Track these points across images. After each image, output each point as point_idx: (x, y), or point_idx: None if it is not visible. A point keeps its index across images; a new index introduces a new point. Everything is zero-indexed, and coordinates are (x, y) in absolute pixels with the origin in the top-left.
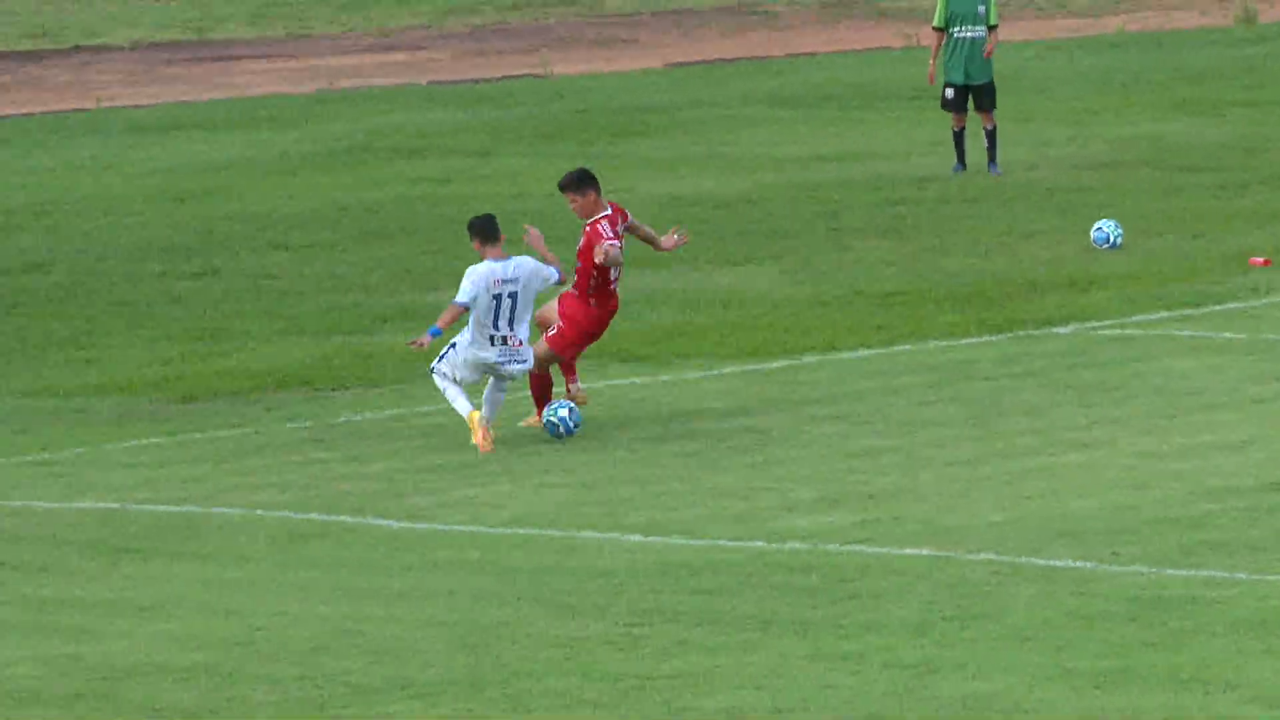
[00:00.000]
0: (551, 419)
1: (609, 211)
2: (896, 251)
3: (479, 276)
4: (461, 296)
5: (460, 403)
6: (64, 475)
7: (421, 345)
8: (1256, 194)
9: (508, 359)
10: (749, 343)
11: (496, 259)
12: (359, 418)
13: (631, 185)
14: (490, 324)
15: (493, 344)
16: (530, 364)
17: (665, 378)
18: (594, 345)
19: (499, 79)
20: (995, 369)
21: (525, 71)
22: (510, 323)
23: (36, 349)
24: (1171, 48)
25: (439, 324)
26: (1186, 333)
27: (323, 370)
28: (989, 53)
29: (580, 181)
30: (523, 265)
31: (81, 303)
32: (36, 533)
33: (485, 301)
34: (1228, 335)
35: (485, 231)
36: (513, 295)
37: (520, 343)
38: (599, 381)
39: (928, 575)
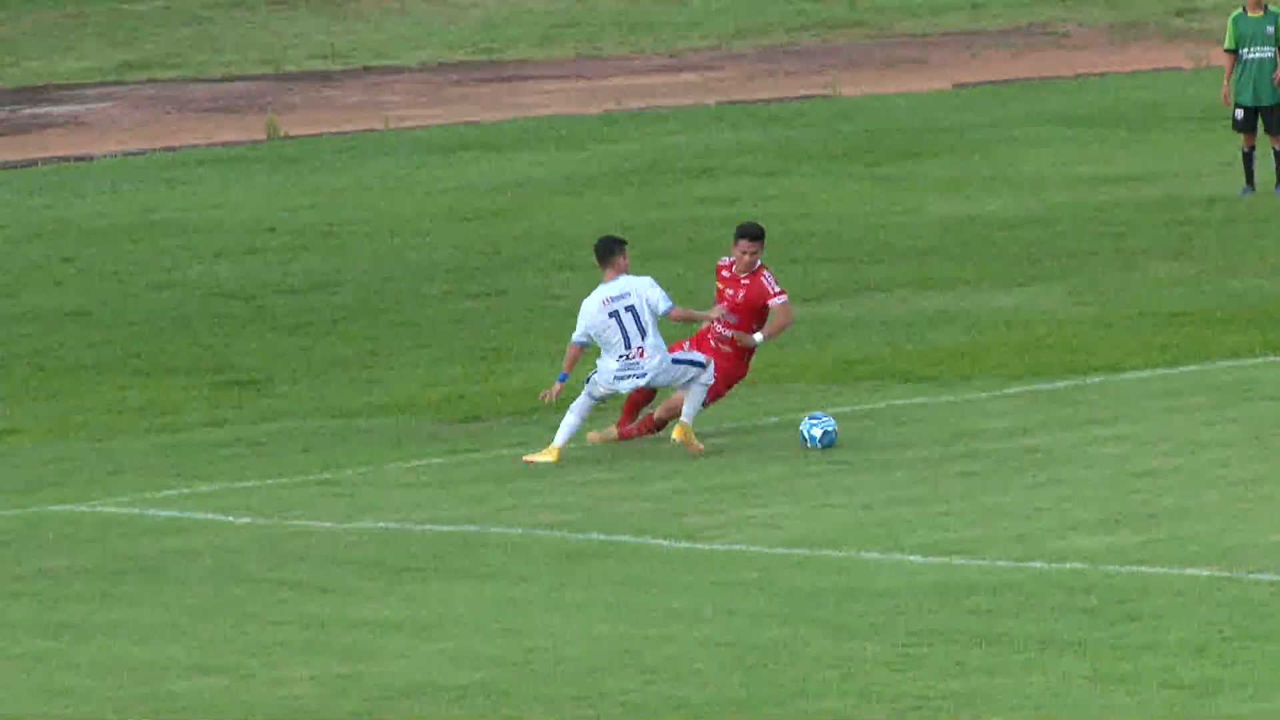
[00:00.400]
0: (812, 432)
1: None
2: (1183, 272)
3: (585, 308)
4: (575, 335)
5: (563, 433)
6: (345, 495)
7: (552, 396)
8: None
9: (626, 373)
10: (1033, 363)
11: (608, 281)
12: (640, 438)
13: (919, 206)
14: (620, 343)
15: (618, 360)
16: (647, 378)
17: (948, 398)
18: (876, 366)
19: (788, 99)
20: None
21: (814, 92)
22: (640, 334)
23: (321, 368)
24: None
25: (564, 369)
26: None
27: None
28: (1279, 79)
29: (764, 234)
30: (633, 281)
31: (367, 323)
32: (317, 552)
33: (604, 325)
34: None
35: (598, 253)
36: (630, 309)
37: (643, 352)
38: (880, 402)
39: (1208, 595)
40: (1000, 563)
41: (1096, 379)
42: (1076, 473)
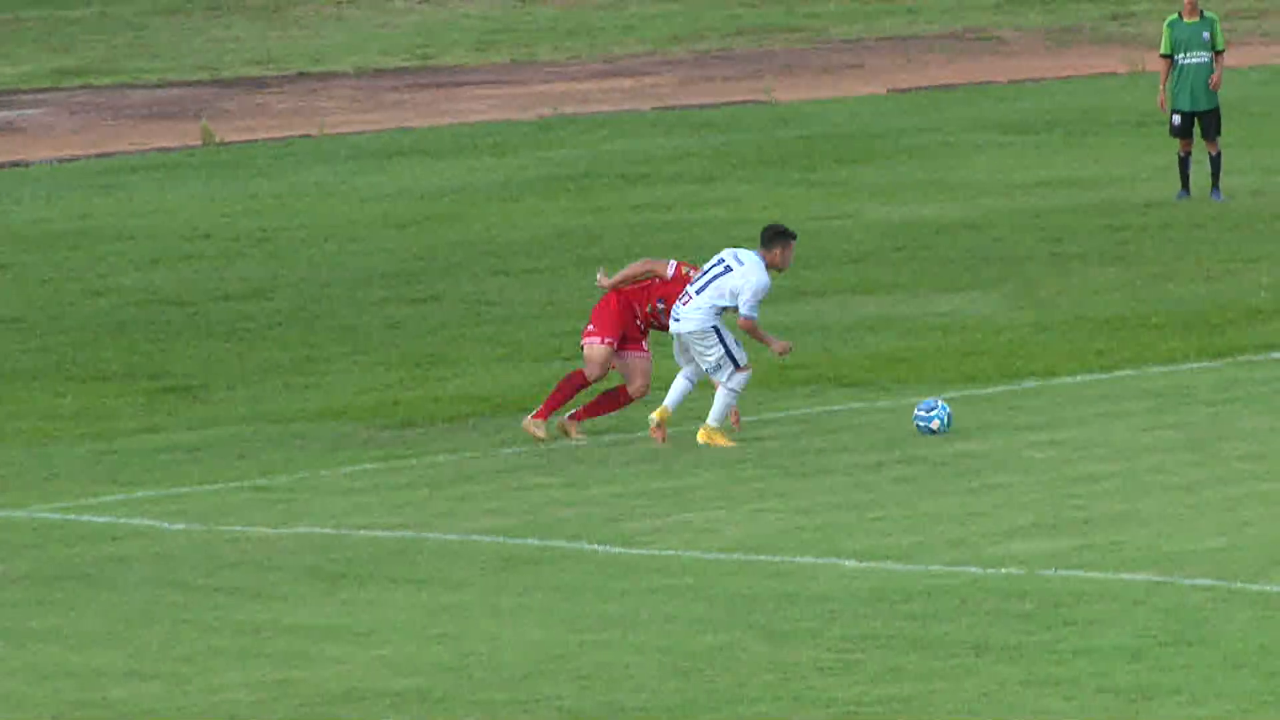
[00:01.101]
0: (925, 419)
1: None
2: (1120, 277)
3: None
4: None
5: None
6: (281, 501)
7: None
8: None
9: (675, 313)
10: (969, 368)
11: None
12: (576, 443)
13: (855, 211)
14: (695, 279)
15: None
16: (678, 324)
17: (884, 403)
18: (813, 372)
19: (723, 105)
20: (1216, 394)
21: (749, 98)
22: (698, 289)
23: (257, 375)
24: None
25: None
26: None
27: (541, 395)
28: (1215, 83)
29: None
30: (748, 262)
31: (303, 329)
32: (252, 558)
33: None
34: None
35: (762, 235)
36: (724, 266)
37: (688, 301)
38: (817, 407)
39: (1144, 600)
40: (936, 568)
41: (1032, 384)
42: (1012, 478)
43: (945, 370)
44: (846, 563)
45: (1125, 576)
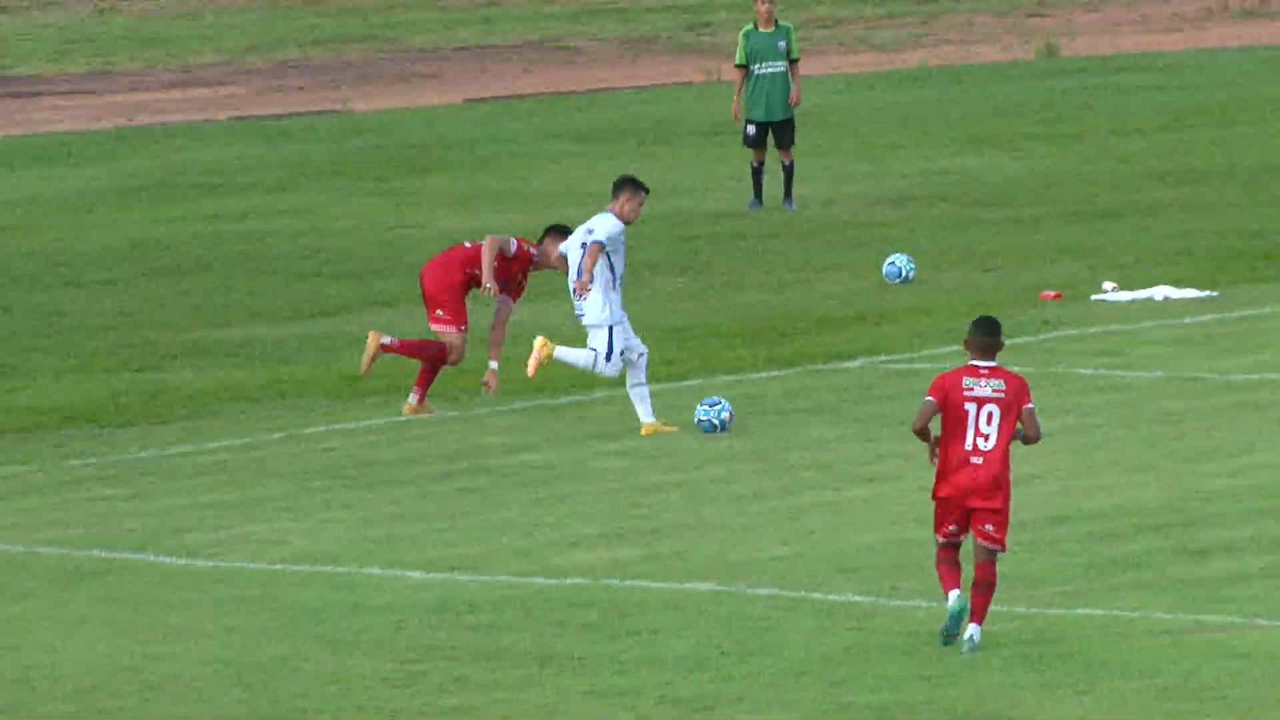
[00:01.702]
0: (708, 418)
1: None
2: (689, 286)
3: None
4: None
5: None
6: None
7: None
8: (1050, 228)
9: (578, 309)
10: (538, 378)
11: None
12: (144, 454)
13: (428, 220)
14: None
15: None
16: (585, 319)
17: (452, 414)
18: (382, 383)
19: (298, 115)
20: (782, 403)
21: (326, 107)
22: (577, 273)
23: None
24: (972, 82)
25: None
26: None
27: (110, 407)
28: (795, 99)
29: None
30: (594, 220)
31: None
32: None
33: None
34: (1017, 369)
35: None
36: (584, 242)
37: (578, 291)
38: (380, 419)
39: (708, 610)
40: (502, 578)
41: (600, 394)
42: (579, 488)
43: (513, 380)
44: (412, 574)
45: (689, 586)
